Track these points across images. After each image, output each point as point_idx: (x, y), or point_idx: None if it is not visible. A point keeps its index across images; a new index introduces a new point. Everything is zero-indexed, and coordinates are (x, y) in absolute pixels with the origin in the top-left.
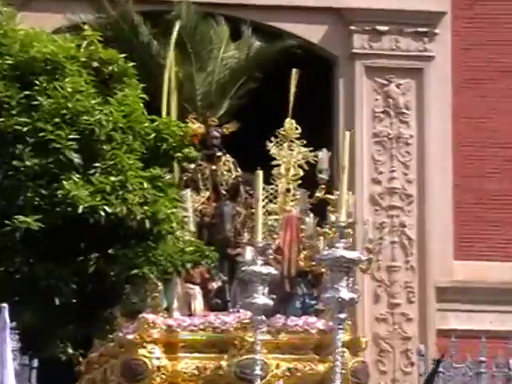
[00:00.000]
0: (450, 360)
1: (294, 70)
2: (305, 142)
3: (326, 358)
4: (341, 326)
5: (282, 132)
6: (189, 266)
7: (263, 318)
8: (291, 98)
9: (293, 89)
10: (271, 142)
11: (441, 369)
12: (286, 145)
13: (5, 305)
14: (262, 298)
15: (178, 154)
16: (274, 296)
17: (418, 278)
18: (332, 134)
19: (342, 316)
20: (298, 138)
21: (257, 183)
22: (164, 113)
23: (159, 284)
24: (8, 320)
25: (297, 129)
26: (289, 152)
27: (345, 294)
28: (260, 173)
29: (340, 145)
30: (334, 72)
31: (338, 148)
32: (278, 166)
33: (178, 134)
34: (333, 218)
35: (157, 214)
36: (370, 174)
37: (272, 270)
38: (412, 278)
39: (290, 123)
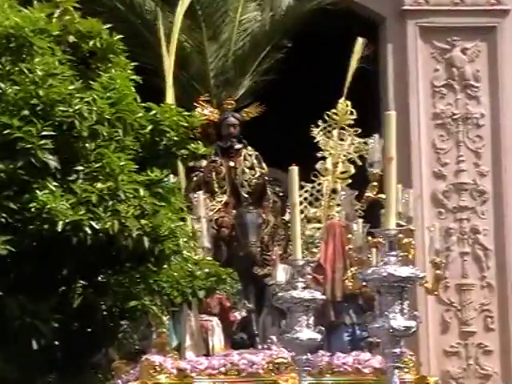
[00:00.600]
0: None
1: (360, 40)
2: (359, 130)
3: None
4: (396, 364)
5: (333, 116)
6: (201, 294)
7: (309, 356)
8: (349, 75)
9: (354, 63)
10: (317, 126)
11: None
12: (335, 133)
13: None
14: (306, 331)
15: (183, 151)
16: (323, 328)
17: (497, 299)
18: (381, 118)
19: (397, 351)
20: (350, 126)
21: (291, 182)
22: (169, 97)
23: (164, 318)
24: None
25: (351, 113)
26: (339, 142)
27: (398, 322)
28: (295, 169)
29: (385, 129)
30: (381, 36)
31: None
32: (324, 159)
33: (181, 125)
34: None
35: (158, 230)
36: (430, 167)
37: (318, 295)
38: (490, 298)
39: (343, 105)
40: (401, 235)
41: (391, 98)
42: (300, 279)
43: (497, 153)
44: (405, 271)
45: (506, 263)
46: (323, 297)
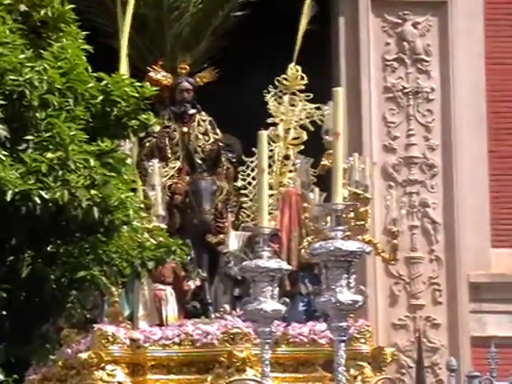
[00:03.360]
0: (487, 375)
1: (308, 2)
2: (311, 95)
3: None
4: (342, 338)
5: (284, 81)
6: (151, 265)
7: (272, 329)
8: (299, 37)
9: (303, 25)
10: (268, 92)
11: None
12: (286, 98)
13: None
14: (270, 302)
15: (133, 122)
16: (287, 300)
17: (445, 272)
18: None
19: (343, 325)
20: (302, 91)
21: (260, 147)
22: (123, 67)
23: (113, 289)
24: None
25: (302, 78)
26: (290, 108)
27: (345, 296)
28: (264, 133)
29: (333, 105)
30: (332, 9)
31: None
32: (275, 125)
33: (132, 95)
34: (344, 193)
35: (107, 200)
36: (380, 140)
37: (284, 265)
38: (438, 271)
39: (294, 70)
40: (358, 203)
41: (343, 72)
42: (265, 248)
43: (447, 127)
44: (352, 245)
45: (454, 237)
46: (289, 267)
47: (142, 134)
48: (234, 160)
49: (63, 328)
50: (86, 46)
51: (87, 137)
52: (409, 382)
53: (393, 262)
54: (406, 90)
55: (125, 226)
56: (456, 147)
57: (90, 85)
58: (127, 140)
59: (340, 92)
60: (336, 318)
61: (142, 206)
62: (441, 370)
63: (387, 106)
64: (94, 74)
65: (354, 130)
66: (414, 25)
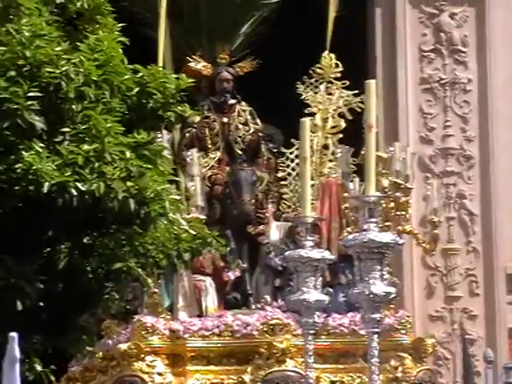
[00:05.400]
0: None
1: None
2: (347, 82)
3: (380, 366)
4: (375, 330)
5: (318, 70)
6: (187, 257)
7: (316, 319)
8: (329, 26)
9: (331, 14)
10: (303, 83)
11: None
12: (322, 87)
13: (14, 334)
14: (313, 292)
15: (169, 114)
16: (331, 290)
17: (482, 264)
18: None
19: (376, 316)
20: (338, 79)
21: (303, 135)
22: (160, 60)
23: (150, 280)
24: (18, 352)
25: (337, 66)
26: (327, 97)
27: (378, 287)
28: (306, 121)
29: (366, 97)
30: (369, 0)
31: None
32: (313, 115)
33: (168, 87)
34: (385, 182)
35: (143, 192)
36: (417, 132)
37: (327, 254)
38: (475, 263)
39: (328, 58)
40: (398, 194)
41: (379, 63)
42: (308, 237)
43: (484, 118)
44: (385, 237)
45: (491, 228)
46: (332, 257)
47: (179, 126)
48: (275, 150)
49: (104, 319)
50: (122, 38)
51: (123, 129)
52: (446, 373)
53: (433, 253)
54: (442, 81)
55: (161, 218)
56: (493, 138)
57: (126, 77)
58: (166, 131)
59: (373, 84)
60: (369, 310)
61: (179, 197)
62: (478, 361)
63: (424, 98)
64: (130, 66)
65: (391, 121)
66: (451, 15)
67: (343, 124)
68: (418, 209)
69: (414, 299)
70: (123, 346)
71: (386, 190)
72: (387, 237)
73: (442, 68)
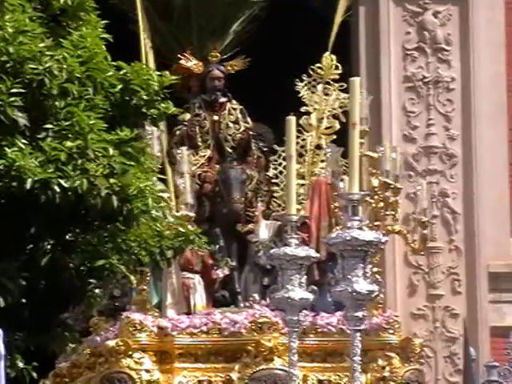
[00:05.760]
0: (506, 365)
1: None
2: (345, 85)
3: (367, 366)
4: (358, 328)
5: (318, 70)
6: (169, 254)
7: (300, 317)
8: (334, 28)
9: (339, 15)
10: (301, 81)
11: (495, 377)
12: (320, 87)
13: None
14: (298, 290)
15: (152, 111)
16: (315, 288)
17: (465, 262)
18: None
19: (359, 314)
20: (336, 81)
21: (289, 133)
22: (143, 55)
23: (133, 278)
24: (3, 349)
25: (337, 67)
26: (324, 97)
27: (361, 285)
28: (292, 119)
29: (350, 95)
30: None
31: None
32: (308, 114)
33: (151, 84)
34: (375, 182)
35: (126, 189)
36: (400, 130)
37: (312, 253)
38: (457, 261)
39: (328, 59)
40: (388, 193)
41: (363, 61)
42: (293, 235)
43: (467, 117)
44: (368, 235)
45: (474, 227)
46: (318, 255)
47: (163, 123)
48: (266, 149)
49: (92, 316)
50: (106, 35)
51: (106, 126)
52: (428, 371)
53: (422, 253)
54: (426, 80)
55: (143, 215)
56: (476, 137)
57: (110, 74)
58: (156, 128)
59: (357, 82)
60: (352, 308)
61: (167, 195)
62: (460, 359)
63: (407, 96)
64: (114, 63)
65: (374, 120)
66: (435, 14)
67: (337, 125)
68: (402, 207)
69: (397, 297)
70: (111, 343)
71: (376, 189)
72: (370, 235)
73: (426, 66)
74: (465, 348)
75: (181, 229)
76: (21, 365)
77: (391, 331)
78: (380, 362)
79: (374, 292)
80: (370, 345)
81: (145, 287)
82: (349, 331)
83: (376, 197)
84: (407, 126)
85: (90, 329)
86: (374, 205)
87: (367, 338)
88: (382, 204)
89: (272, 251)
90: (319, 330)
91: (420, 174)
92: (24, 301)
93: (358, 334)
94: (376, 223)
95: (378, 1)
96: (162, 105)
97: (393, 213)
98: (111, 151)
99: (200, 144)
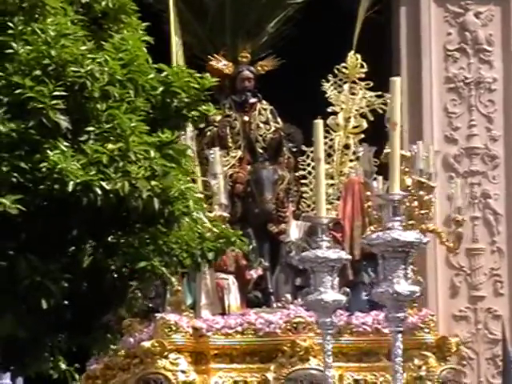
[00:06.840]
0: None
1: None
2: (371, 83)
3: (404, 365)
4: (399, 329)
5: (343, 70)
6: (211, 256)
7: (333, 319)
8: (357, 26)
9: (361, 15)
10: (327, 81)
11: None
12: (346, 87)
13: None
14: (330, 292)
15: (193, 113)
16: (348, 289)
17: (507, 264)
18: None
19: (400, 315)
20: (362, 79)
21: (317, 136)
22: (174, 58)
23: (174, 279)
24: None
25: (362, 66)
26: (350, 97)
27: (402, 286)
28: (320, 122)
29: (390, 95)
30: None
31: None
32: (335, 114)
33: (192, 86)
34: (408, 181)
35: (168, 191)
36: (442, 131)
37: (343, 254)
38: (500, 263)
39: (353, 58)
40: (421, 192)
41: (404, 62)
42: (324, 237)
43: (509, 117)
44: (409, 236)
45: None
46: (349, 256)
47: (202, 124)
48: (295, 150)
49: (124, 317)
50: (147, 38)
51: (147, 128)
52: (470, 373)
53: (457, 251)
54: (467, 81)
55: (185, 217)
56: None
57: (151, 76)
58: (188, 129)
59: (397, 82)
60: (393, 309)
61: (202, 196)
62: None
63: (449, 97)
64: (155, 66)
65: (415, 121)
66: (476, 14)
67: (365, 124)
68: (443, 208)
69: (438, 299)
70: (147, 344)
71: (410, 188)
72: (411, 235)
73: (467, 67)
74: (504, 349)
75: (215, 229)
76: (63, 366)
77: (427, 330)
78: (416, 361)
79: (415, 293)
80: (406, 344)
81: (179, 288)
82: (384, 330)
83: (410, 196)
84: (449, 127)
85: (122, 330)
86: (407, 204)
87: (403, 337)
88: (416, 203)
89: (303, 254)
90: (354, 330)
91: (461, 175)
92: (66, 303)
93: (400, 335)
94: (410, 222)
95: (419, 1)
96: (203, 107)
97: (427, 211)
98: (152, 153)
99: (231, 145)
